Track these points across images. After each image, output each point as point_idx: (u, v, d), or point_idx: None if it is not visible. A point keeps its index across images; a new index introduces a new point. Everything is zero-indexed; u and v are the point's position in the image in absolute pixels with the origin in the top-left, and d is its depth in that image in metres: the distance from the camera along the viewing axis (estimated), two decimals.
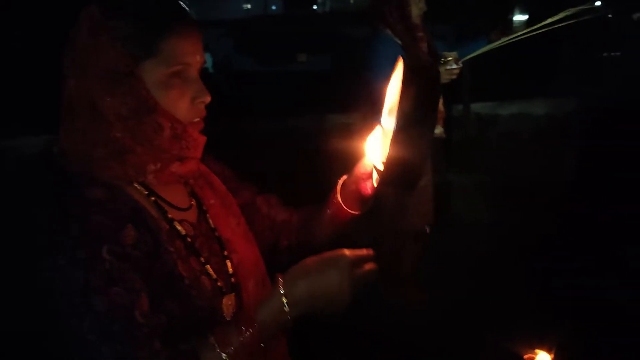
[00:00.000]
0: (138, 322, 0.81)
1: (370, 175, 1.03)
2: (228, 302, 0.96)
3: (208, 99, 0.94)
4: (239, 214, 1.09)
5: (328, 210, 1.11)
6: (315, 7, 19.90)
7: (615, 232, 3.32)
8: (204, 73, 0.97)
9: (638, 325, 2.63)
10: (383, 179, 0.94)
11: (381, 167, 0.94)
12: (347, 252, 0.91)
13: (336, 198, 1.09)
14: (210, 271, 0.95)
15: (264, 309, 0.87)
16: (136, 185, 0.92)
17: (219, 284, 0.95)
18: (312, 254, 1.13)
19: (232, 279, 0.99)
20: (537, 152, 5.02)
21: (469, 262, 3.40)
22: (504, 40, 2.56)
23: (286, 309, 0.86)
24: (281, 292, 0.87)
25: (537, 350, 1.35)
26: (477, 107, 5.42)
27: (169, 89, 0.89)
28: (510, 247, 3.47)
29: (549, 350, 1.38)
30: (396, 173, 0.91)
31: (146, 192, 0.92)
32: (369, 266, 0.93)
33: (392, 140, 0.89)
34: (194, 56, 0.92)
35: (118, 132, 0.87)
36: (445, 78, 2.63)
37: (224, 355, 0.83)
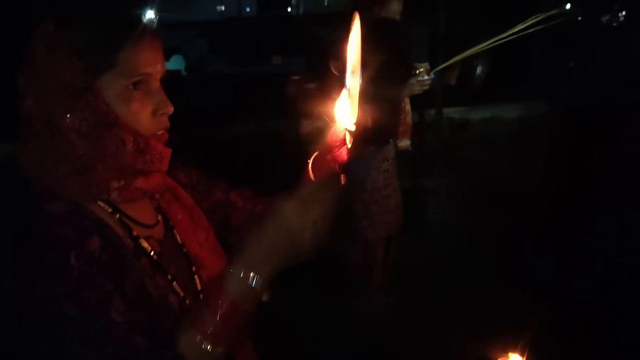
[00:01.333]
0: (115, 321, 0.79)
1: (343, 141, 0.99)
2: None
3: (171, 110, 0.92)
4: (208, 227, 1.07)
5: None
6: (289, 9, 19.92)
7: (587, 233, 3.37)
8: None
9: (609, 325, 2.67)
10: (358, 136, 0.91)
11: (353, 128, 0.92)
12: (287, 197, 0.84)
13: (309, 178, 1.08)
14: (178, 289, 0.92)
15: (232, 280, 0.82)
16: (100, 202, 0.89)
17: (187, 301, 0.93)
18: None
19: (201, 296, 0.96)
20: (509, 155, 5.08)
21: (442, 266, 3.42)
22: (473, 49, 2.59)
23: (251, 276, 0.82)
24: (239, 262, 0.83)
25: (509, 354, 1.36)
26: (449, 111, 5.47)
27: (130, 101, 0.87)
28: (484, 251, 3.51)
29: (521, 353, 1.39)
30: (370, 128, 0.89)
31: (110, 210, 0.90)
32: (323, 198, 0.86)
33: (361, 94, 0.86)
34: (154, 66, 0.90)
35: (79, 149, 0.85)
36: (417, 89, 2.66)
37: (198, 337, 0.80)
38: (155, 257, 0.92)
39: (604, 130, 4.08)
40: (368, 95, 0.87)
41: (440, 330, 2.73)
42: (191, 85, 9.01)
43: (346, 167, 1.04)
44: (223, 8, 19.92)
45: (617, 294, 2.89)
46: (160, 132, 0.92)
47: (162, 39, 0.91)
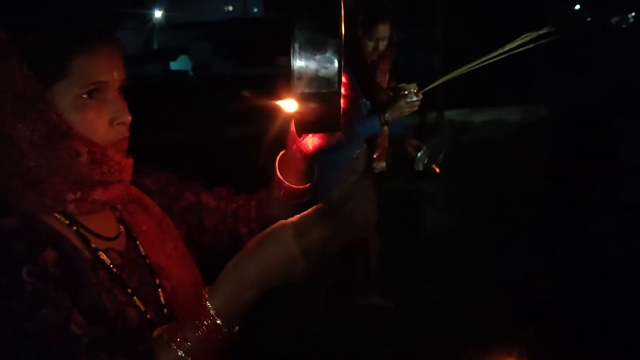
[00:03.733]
0: (76, 334, 0.76)
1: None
2: None
3: (128, 119, 0.89)
4: (176, 237, 1.04)
5: (276, 193, 1.08)
6: None
7: (585, 237, 3.37)
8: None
9: (606, 332, 2.66)
10: (300, 123, 0.89)
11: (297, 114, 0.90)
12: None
13: (278, 179, 1.07)
14: (138, 303, 0.89)
15: (217, 298, 0.82)
16: (56, 215, 0.86)
17: (148, 315, 0.89)
18: None
19: (165, 309, 0.93)
20: (510, 158, 5.07)
21: (439, 271, 3.40)
22: (466, 67, 2.57)
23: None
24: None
25: None
26: (450, 114, 5.47)
27: (85, 111, 0.84)
28: (483, 255, 3.49)
29: None
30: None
31: (67, 222, 0.87)
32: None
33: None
34: (111, 74, 0.86)
35: (32, 161, 0.82)
36: (406, 111, 2.66)
37: (180, 352, 0.79)
38: (115, 270, 0.90)
39: (605, 134, 4.08)
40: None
41: (435, 336, 2.71)
42: (198, 86, 8.93)
43: (312, 157, 1.03)
44: (231, 8, 19.92)
45: (614, 301, 2.88)
46: (118, 142, 0.90)
47: (120, 46, 0.89)
